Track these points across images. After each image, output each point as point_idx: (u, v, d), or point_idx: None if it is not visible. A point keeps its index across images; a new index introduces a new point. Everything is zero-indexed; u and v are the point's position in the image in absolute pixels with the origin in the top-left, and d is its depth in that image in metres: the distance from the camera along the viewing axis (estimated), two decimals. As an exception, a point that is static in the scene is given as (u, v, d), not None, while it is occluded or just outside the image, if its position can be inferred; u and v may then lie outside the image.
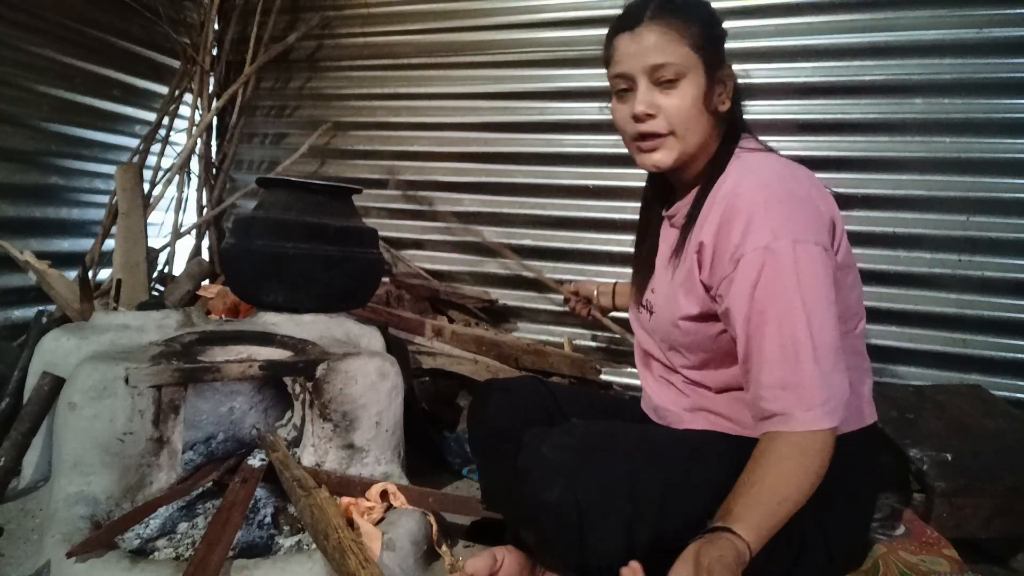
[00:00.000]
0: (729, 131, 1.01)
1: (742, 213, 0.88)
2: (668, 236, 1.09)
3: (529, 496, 0.88)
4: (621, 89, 0.98)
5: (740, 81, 1.00)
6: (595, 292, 1.53)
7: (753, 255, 0.85)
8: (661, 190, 1.13)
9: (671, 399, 1.08)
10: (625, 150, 1.05)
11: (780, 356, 0.84)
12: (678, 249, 1.01)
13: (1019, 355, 1.84)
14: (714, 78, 0.96)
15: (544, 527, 0.88)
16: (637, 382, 1.23)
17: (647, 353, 1.15)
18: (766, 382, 0.85)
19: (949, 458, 1.28)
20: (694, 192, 1.01)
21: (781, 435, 0.83)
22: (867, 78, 1.94)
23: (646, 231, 1.16)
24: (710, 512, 0.82)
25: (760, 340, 0.85)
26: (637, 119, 0.96)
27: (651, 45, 0.93)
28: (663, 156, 0.97)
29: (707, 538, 0.76)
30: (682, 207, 1.04)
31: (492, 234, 2.40)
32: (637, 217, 1.19)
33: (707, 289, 0.95)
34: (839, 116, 1.96)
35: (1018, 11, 1.80)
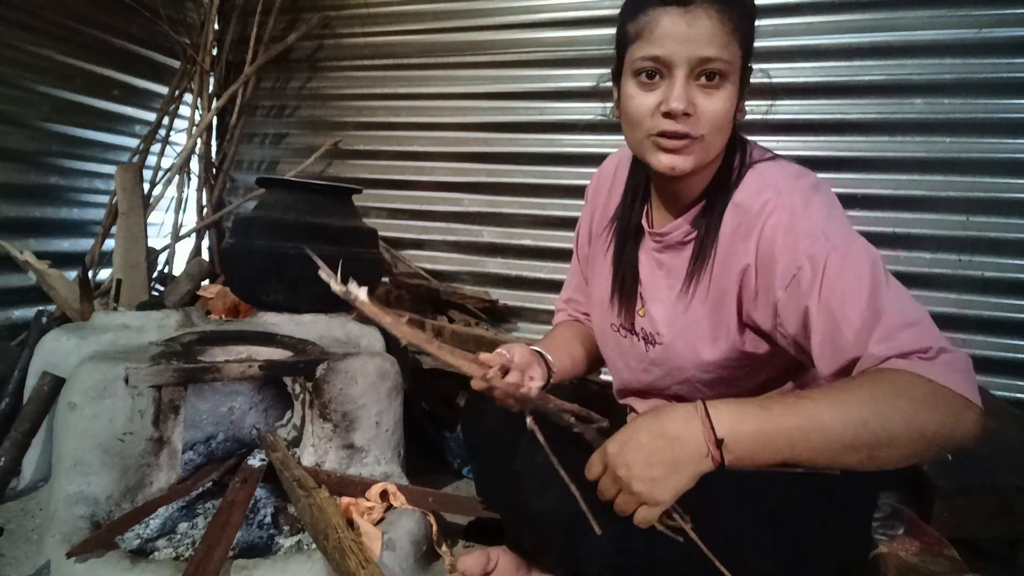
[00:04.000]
0: (736, 136, 0.90)
1: (783, 227, 0.79)
2: (656, 255, 0.98)
3: (524, 502, 0.86)
4: (648, 72, 0.82)
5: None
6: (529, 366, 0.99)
7: (809, 263, 0.76)
8: (638, 204, 1.00)
9: None
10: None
11: (868, 299, 0.72)
12: (695, 271, 0.90)
13: (1019, 355, 1.84)
14: (746, 84, 0.86)
15: (538, 533, 0.88)
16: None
17: (640, 386, 1.04)
18: (857, 321, 0.72)
19: (949, 458, 1.28)
20: (698, 209, 0.90)
21: (907, 373, 0.68)
22: (867, 78, 1.94)
23: (623, 247, 1.02)
24: (708, 520, 0.79)
25: (846, 295, 0.74)
26: (670, 115, 0.81)
27: (706, 33, 0.79)
28: (685, 161, 0.84)
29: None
30: (682, 224, 0.93)
31: (492, 234, 2.40)
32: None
33: (746, 322, 0.86)
34: (839, 116, 1.96)
35: (1018, 11, 1.80)
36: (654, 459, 0.68)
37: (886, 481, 1.12)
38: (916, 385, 0.68)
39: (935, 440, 0.67)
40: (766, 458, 0.68)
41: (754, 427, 0.68)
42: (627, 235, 1.01)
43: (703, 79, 0.81)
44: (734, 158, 0.89)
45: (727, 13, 0.79)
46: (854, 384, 0.70)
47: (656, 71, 0.82)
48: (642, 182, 1.00)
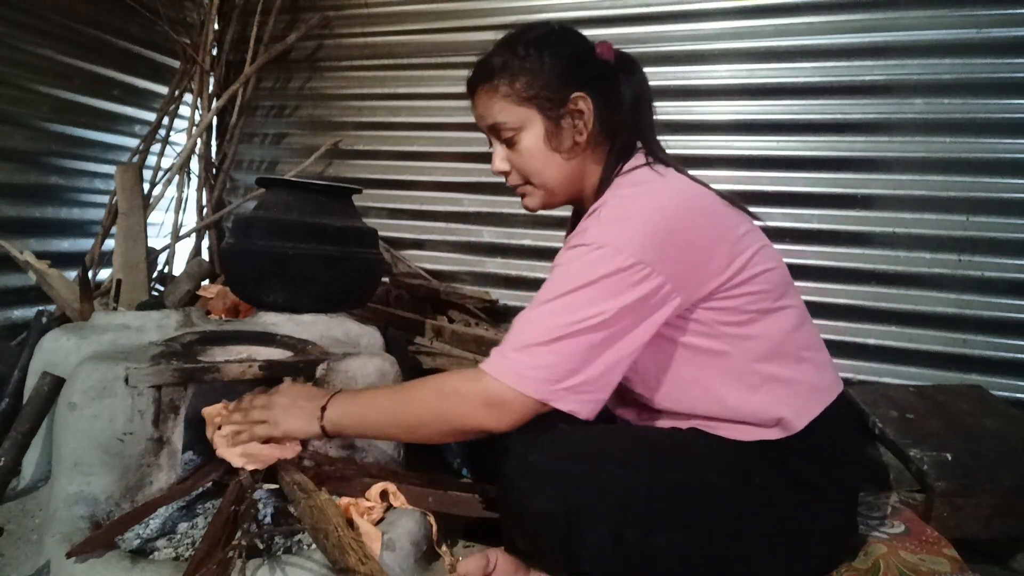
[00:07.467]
0: (614, 151, 0.99)
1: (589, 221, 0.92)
2: None
3: (517, 504, 0.89)
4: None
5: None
6: None
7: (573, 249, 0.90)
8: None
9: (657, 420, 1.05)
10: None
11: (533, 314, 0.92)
12: None
13: (1019, 355, 1.84)
14: (557, 117, 0.96)
15: (533, 534, 0.90)
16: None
17: (612, 401, 1.08)
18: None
19: (949, 458, 1.28)
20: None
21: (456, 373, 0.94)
22: (867, 78, 1.94)
23: None
24: (700, 513, 0.82)
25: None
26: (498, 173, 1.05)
27: (483, 110, 1.00)
28: (530, 201, 1.06)
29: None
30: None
31: (492, 234, 2.40)
32: None
33: None
34: (839, 116, 1.96)
35: (1018, 11, 1.80)
36: (287, 402, 1.04)
37: (872, 473, 1.16)
38: (450, 381, 0.93)
39: (452, 423, 0.92)
40: (351, 426, 1.00)
41: (346, 408, 0.99)
42: None
43: (504, 140, 1.00)
44: (605, 175, 1.00)
45: (494, 88, 0.97)
46: (414, 384, 0.97)
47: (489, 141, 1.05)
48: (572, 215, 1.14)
